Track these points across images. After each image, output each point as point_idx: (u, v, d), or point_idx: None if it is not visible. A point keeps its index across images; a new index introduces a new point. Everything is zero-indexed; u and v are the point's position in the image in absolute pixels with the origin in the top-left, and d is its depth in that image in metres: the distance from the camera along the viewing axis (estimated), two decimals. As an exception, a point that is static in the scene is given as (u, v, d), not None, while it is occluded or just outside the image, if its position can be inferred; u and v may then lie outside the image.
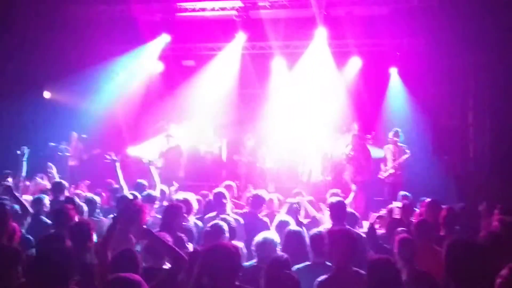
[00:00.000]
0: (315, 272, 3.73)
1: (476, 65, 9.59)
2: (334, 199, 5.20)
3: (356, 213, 5.75)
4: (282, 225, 4.76)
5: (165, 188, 6.88)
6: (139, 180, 7.02)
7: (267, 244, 4.10)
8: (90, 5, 10.59)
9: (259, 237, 4.19)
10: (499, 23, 8.82)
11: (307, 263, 4.03)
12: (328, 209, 5.16)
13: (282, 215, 5.08)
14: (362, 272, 3.48)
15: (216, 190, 6.07)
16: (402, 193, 7.31)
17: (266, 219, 5.58)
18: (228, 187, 6.95)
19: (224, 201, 5.70)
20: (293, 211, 5.83)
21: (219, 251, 3.05)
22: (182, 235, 4.55)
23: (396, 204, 5.48)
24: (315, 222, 5.68)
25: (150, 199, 5.92)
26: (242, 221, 5.06)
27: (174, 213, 4.84)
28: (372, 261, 3.33)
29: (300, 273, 3.62)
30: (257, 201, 5.82)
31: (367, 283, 3.25)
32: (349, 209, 5.83)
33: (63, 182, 6.74)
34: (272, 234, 4.31)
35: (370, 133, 10.06)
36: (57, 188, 6.48)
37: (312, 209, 6.05)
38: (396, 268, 3.28)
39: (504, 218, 4.49)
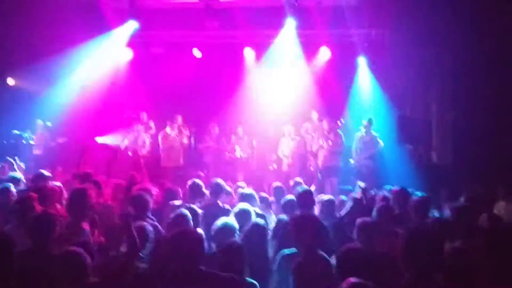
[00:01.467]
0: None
1: (441, 56, 9.82)
2: (301, 188, 5.26)
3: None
4: (242, 214, 4.76)
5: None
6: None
7: (226, 229, 4.13)
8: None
9: (218, 223, 4.22)
10: (463, 16, 9.03)
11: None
12: (296, 198, 5.22)
13: (242, 204, 5.10)
14: (329, 258, 3.60)
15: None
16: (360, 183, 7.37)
17: (227, 207, 5.58)
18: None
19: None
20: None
21: (185, 236, 3.12)
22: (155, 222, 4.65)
23: (360, 184, 5.59)
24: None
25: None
26: (199, 211, 5.07)
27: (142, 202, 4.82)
28: (343, 251, 3.40)
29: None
30: (217, 189, 5.81)
31: (338, 271, 3.32)
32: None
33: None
34: (231, 220, 4.35)
35: (340, 120, 10.21)
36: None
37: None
38: (367, 257, 3.36)
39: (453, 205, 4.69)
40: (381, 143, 9.36)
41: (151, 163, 10.31)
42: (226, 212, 5.28)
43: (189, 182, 5.82)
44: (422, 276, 2.83)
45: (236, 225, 4.24)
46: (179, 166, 10.24)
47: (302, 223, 3.81)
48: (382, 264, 3.52)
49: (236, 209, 4.86)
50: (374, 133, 9.49)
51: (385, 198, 5.73)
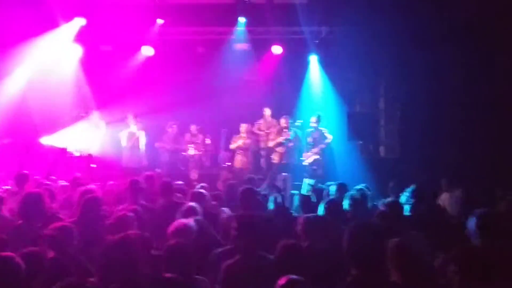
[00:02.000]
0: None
1: (387, 54, 10.10)
2: (242, 187, 5.27)
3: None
4: (188, 212, 4.75)
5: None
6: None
7: (182, 230, 4.05)
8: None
9: (176, 224, 4.14)
10: (409, 15, 9.34)
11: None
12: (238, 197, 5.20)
13: (190, 203, 5.08)
14: (269, 256, 3.55)
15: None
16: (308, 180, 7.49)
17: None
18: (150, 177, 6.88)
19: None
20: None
21: (123, 243, 3.06)
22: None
23: (307, 181, 5.68)
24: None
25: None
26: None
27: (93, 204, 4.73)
28: (281, 247, 3.41)
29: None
30: (168, 189, 5.76)
31: (276, 267, 3.30)
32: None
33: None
34: (189, 221, 4.27)
35: (298, 120, 10.30)
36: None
37: None
38: (304, 252, 3.38)
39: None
40: (329, 137, 9.52)
41: (107, 163, 10.06)
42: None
43: (128, 182, 5.69)
44: (369, 272, 2.87)
45: (194, 226, 4.15)
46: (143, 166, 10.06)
47: (241, 222, 3.77)
48: (324, 261, 3.58)
49: (183, 207, 4.83)
50: (322, 129, 9.65)
51: (330, 194, 5.86)
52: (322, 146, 9.45)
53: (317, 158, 9.54)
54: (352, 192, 5.49)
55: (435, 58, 9.37)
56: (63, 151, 10.02)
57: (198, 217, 4.48)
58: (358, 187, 5.75)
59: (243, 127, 10.41)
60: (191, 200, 5.46)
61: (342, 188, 5.88)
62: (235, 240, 3.75)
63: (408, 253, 3.13)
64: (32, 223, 4.26)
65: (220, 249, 3.98)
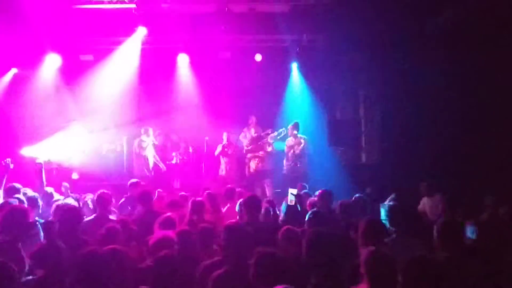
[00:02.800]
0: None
1: (367, 61, 10.25)
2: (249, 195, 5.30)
3: None
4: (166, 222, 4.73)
5: (51, 190, 6.57)
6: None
7: (163, 242, 4.02)
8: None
9: (156, 235, 4.14)
10: (388, 23, 9.50)
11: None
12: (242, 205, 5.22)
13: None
14: None
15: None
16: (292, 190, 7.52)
17: None
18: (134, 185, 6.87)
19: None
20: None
21: (92, 258, 3.03)
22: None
23: (291, 191, 5.70)
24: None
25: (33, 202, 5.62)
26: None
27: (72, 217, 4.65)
28: (258, 255, 3.38)
29: None
30: (147, 197, 5.76)
31: (253, 276, 3.30)
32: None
33: None
34: (170, 233, 4.24)
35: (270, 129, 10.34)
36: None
37: None
38: (281, 261, 3.34)
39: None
40: (304, 142, 9.56)
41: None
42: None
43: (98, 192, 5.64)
44: (326, 279, 2.88)
45: (174, 238, 4.13)
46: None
47: (232, 232, 3.80)
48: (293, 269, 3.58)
49: (161, 218, 4.83)
50: (300, 136, 9.71)
51: (313, 203, 5.88)
52: (297, 152, 9.48)
53: (296, 165, 9.59)
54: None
55: (414, 65, 9.54)
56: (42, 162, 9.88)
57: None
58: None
59: (225, 135, 10.43)
60: (192, 210, 5.47)
61: (327, 196, 5.92)
62: (223, 250, 3.76)
63: (383, 262, 3.15)
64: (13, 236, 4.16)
65: (209, 261, 3.95)
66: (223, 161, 10.45)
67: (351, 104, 10.83)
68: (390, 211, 4.59)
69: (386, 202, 6.84)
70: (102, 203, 5.46)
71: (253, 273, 3.28)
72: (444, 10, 9.01)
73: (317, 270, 2.85)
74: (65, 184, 6.80)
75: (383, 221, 4.64)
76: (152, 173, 10.19)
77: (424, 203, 7.82)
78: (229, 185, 6.88)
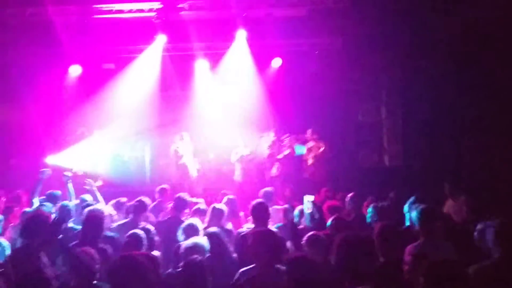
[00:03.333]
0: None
1: (388, 62, 10.16)
2: (255, 201, 5.25)
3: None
4: (189, 228, 4.77)
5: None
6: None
7: (196, 249, 4.09)
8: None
9: (188, 242, 4.18)
10: (408, 23, 9.41)
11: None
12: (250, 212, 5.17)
13: (190, 219, 5.10)
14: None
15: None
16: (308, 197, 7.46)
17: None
18: (162, 191, 6.92)
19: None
20: (217, 214, 5.72)
21: (127, 263, 3.06)
22: (107, 246, 4.48)
23: (308, 198, 5.65)
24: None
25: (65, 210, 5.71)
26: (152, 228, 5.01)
27: (94, 223, 4.66)
28: (290, 259, 3.40)
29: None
30: (180, 205, 5.75)
31: (287, 281, 3.30)
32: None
33: None
34: (201, 239, 4.30)
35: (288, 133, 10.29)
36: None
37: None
38: (313, 265, 3.36)
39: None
40: (324, 147, 9.48)
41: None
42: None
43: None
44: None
45: (207, 245, 4.19)
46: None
47: (258, 238, 3.80)
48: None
49: (184, 224, 4.83)
50: (318, 140, 9.65)
51: (336, 208, 5.83)
52: (317, 154, 9.39)
53: (316, 168, 9.54)
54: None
55: (436, 66, 9.42)
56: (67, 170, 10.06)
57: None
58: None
59: (243, 140, 10.43)
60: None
61: (356, 199, 5.87)
62: (251, 256, 3.77)
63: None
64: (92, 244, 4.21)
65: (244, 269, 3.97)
66: (238, 167, 10.44)
67: (372, 106, 10.71)
68: (422, 213, 4.51)
69: (408, 205, 6.71)
70: (138, 209, 5.54)
71: (288, 280, 3.27)
72: (464, 10, 8.88)
73: (350, 275, 2.83)
74: (90, 181, 6.86)
75: (414, 224, 4.55)
76: (196, 178, 10.18)
77: (449, 206, 7.66)
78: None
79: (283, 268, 3.54)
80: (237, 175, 10.32)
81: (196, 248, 4.10)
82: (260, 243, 3.73)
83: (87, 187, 6.59)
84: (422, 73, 9.67)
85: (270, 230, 4.12)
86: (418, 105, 9.89)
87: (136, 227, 4.93)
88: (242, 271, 3.87)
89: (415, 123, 9.83)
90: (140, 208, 5.60)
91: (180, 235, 4.78)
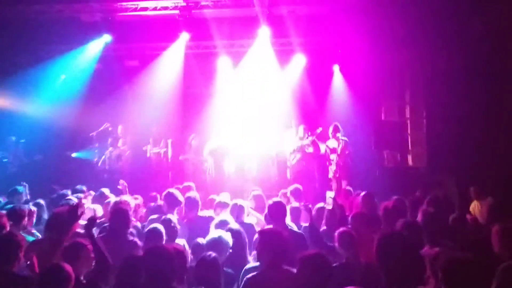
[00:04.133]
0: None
1: (411, 61, 10.03)
2: (271, 200, 5.23)
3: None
4: (221, 224, 4.77)
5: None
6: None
7: (222, 243, 4.11)
8: (26, 5, 10.18)
9: (212, 236, 4.19)
10: (430, 22, 9.27)
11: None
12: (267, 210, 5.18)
13: (222, 215, 5.12)
14: (294, 270, 3.49)
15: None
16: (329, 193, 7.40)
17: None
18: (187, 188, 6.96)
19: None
20: (237, 211, 5.73)
21: (157, 253, 3.12)
22: (135, 238, 4.56)
23: (329, 195, 5.61)
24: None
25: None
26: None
27: (121, 216, 4.74)
28: (303, 257, 3.37)
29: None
30: (172, 200, 5.71)
31: (297, 278, 3.29)
32: (293, 204, 6.00)
33: None
34: (226, 234, 4.29)
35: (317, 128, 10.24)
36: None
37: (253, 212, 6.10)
38: (327, 262, 3.33)
39: (426, 209, 4.76)
40: (343, 144, 9.39)
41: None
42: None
43: (164, 193, 5.75)
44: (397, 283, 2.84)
45: (230, 240, 4.18)
46: None
47: (265, 237, 3.79)
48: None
49: (215, 221, 4.85)
50: (341, 138, 9.56)
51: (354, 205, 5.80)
52: (339, 153, 9.30)
53: (339, 167, 9.46)
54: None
55: (461, 65, 9.25)
56: (93, 165, 10.25)
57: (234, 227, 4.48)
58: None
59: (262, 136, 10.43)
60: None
61: (369, 198, 5.82)
62: (258, 254, 3.77)
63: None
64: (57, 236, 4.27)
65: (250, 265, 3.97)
66: (259, 164, 10.42)
67: (396, 105, 10.59)
68: (427, 215, 4.46)
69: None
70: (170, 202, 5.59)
71: (299, 277, 3.25)
72: (489, 9, 8.70)
73: (388, 273, 2.82)
74: (123, 182, 6.96)
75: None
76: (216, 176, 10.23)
77: (474, 207, 7.55)
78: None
79: (292, 269, 3.53)
80: (257, 173, 10.32)
81: (220, 243, 4.10)
82: (265, 242, 3.73)
83: (120, 187, 6.71)
84: (447, 73, 9.51)
85: (278, 230, 4.06)
86: (443, 105, 9.73)
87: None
88: (247, 269, 3.89)
89: (440, 123, 9.67)
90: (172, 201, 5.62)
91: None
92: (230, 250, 4.12)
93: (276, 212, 4.87)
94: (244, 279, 3.62)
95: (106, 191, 6.69)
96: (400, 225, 4.18)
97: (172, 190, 5.83)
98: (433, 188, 7.91)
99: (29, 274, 3.54)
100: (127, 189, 6.66)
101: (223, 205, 5.76)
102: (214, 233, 4.26)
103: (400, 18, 9.56)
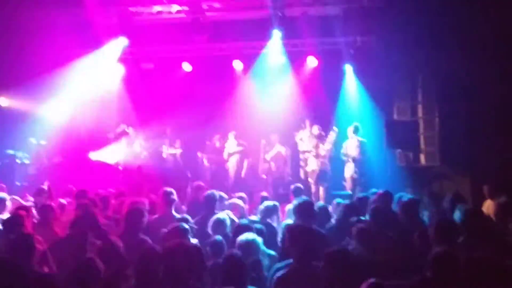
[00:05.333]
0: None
1: (423, 61, 10.04)
2: (300, 199, 5.30)
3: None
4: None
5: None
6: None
7: (252, 245, 4.13)
8: (44, 10, 10.42)
9: (242, 237, 4.19)
10: (442, 22, 9.29)
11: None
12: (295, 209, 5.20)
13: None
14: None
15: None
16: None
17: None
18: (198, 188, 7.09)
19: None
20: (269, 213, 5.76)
21: (177, 250, 3.17)
22: (146, 237, 4.67)
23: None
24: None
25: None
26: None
27: (136, 215, 4.87)
28: (328, 253, 3.43)
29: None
30: (210, 202, 5.81)
31: (324, 274, 3.34)
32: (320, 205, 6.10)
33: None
34: (254, 236, 4.27)
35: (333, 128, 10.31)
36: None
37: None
38: (351, 258, 3.41)
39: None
40: (361, 145, 9.45)
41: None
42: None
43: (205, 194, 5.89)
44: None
45: (260, 241, 4.17)
46: None
47: (295, 234, 3.81)
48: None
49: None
50: (360, 139, 9.62)
51: (374, 201, 5.88)
52: (359, 156, 9.36)
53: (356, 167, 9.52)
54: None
55: (473, 64, 9.27)
56: (111, 165, 10.45)
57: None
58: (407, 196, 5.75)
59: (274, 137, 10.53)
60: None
61: (388, 196, 5.90)
62: (287, 250, 3.81)
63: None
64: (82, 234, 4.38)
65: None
66: (272, 164, 10.54)
67: (408, 105, 10.60)
68: (466, 213, 4.54)
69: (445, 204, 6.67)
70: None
71: (325, 273, 3.32)
72: (502, 8, 8.71)
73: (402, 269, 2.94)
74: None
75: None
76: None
77: (488, 206, 7.58)
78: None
79: (320, 265, 3.54)
80: (270, 172, 10.45)
81: (252, 245, 4.11)
82: (294, 238, 3.75)
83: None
84: (460, 71, 9.53)
85: (307, 227, 4.13)
86: (456, 103, 9.75)
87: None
88: (278, 267, 3.88)
89: (452, 122, 9.68)
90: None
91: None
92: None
93: (303, 210, 4.92)
94: (275, 277, 3.61)
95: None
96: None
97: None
98: (446, 187, 7.99)
99: (48, 272, 3.63)
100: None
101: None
102: (244, 236, 4.22)
103: (412, 18, 9.59)
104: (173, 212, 5.67)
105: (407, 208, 5.35)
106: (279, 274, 3.63)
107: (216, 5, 10.31)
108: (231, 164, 10.73)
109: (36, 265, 3.83)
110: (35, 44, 10.49)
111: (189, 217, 5.13)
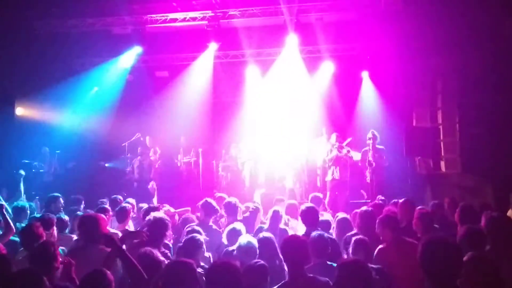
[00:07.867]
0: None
1: (442, 66, 9.86)
2: (305, 205, 5.22)
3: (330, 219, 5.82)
4: (233, 233, 4.80)
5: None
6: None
7: (252, 249, 4.12)
8: (60, 20, 10.52)
9: (243, 241, 4.18)
10: (462, 26, 9.10)
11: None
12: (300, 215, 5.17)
13: (235, 224, 5.11)
14: (321, 278, 3.48)
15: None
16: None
17: (215, 227, 5.52)
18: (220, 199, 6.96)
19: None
20: (276, 218, 5.64)
21: (226, 269, 3.03)
22: (167, 250, 4.55)
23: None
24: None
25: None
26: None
27: (160, 227, 4.71)
28: (342, 264, 3.32)
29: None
30: (209, 209, 5.64)
31: (337, 285, 3.24)
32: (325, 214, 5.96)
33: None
34: (253, 239, 4.28)
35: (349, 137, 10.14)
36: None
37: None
38: (366, 270, 3.26)
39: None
40: (381, 153, 9.26)
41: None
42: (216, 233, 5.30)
43: (201, 202, 5.75)
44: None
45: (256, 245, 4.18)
46: None
47: (287, 244, 3.70)
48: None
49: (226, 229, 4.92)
50: (379, 146, 9.41)
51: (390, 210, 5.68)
52: (373, 164, 9.15)
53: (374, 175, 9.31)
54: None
55: (493, 68, 9.05)
56: (125, 174, 10.42)
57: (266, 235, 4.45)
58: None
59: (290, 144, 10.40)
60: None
61: (408, 205, 5.70)
62: (284, 260, 3.73)
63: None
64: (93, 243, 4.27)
65: None
66: (290, 172, 10.36)
67: (427, 111, 10.39)
68: (492, 220, 4.35)
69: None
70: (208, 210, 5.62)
71: (339, 283, 3.21)
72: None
73: (433, 278, 2.78)
74: (153, 183, 7.02)
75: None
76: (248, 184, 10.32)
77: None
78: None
79: (319, 278, 3.48)
80: (289, 181, 10.28)
81: (250, 249, 4.11)
82: (284, 252, 3.67)
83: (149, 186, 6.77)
84: (480, 77, 9.31)
85: (295, 238, 3.92)
86: (476, 109, 9.52)
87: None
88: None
89: (473, 128, 9.45)
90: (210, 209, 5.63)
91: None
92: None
93: (308, 216, 4.89)
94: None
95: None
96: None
97: (209, 199, 5.80)
98: (468, 194, 7.76)
99: (68, 284, 3.56)
100: (156, 191, 6.71)
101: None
102: (243, 239, 4.25)
103: (431, 23, 9.43)
104: (211, 223, 5.56)
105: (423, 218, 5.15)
106: (276, 287, 3.53)
107: (231, 12, 10.27)
108: (246, 172, 10.58)
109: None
110: (50, 53, 10.56)
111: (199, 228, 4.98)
